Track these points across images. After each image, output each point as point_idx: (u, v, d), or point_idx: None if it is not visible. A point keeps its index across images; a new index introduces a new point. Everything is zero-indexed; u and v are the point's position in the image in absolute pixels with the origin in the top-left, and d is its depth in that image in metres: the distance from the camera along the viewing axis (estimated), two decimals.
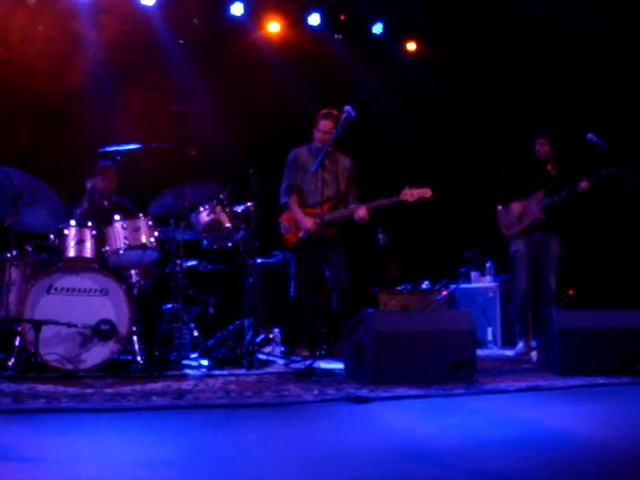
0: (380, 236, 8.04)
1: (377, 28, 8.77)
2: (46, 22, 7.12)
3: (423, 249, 8.79)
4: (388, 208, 6.32)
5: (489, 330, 7.97)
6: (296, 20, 8.31)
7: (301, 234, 6.41)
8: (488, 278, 8.28)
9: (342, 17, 8.59)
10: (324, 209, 6.17)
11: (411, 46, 9.15)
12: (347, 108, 5.75)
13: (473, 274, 8.48)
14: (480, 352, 5.80)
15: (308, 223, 6.37)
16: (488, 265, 8.33)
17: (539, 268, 6.92)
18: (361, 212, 6.36)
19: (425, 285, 8.49)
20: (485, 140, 8.63)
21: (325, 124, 6.40)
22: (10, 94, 6.93)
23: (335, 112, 6.31)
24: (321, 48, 8.17)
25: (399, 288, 8.38)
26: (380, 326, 5.10)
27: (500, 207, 7.07)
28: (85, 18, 7.29)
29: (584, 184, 6.62)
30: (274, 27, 8.32)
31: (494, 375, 5.46)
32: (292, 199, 6.53)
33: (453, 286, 8.35)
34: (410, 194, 6.25)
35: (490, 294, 8.07)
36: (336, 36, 8.59)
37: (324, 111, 6.45)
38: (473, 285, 8.40)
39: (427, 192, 6.28)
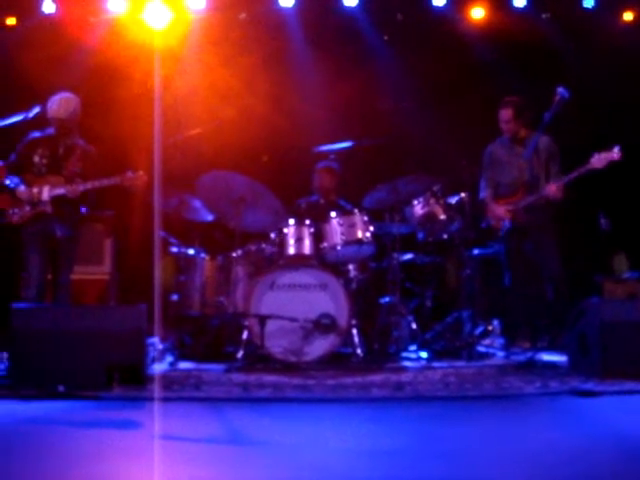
0: (602, 220, 7.61)
1: (589, 1, 8.29)
2: (259, 29, 7.50)
3: None
4: (611, 190, 5.92)
5: None
6: (500, 3, 8.06)
7: (501, 225, 6.25)
8: None
9: None
10: (518, 197, 6.07)
11: (628, 16, 8.56)
12: (560, 89, 5.61)
13: None
14: None
15: (501, 213, 6.21)
16: None
17: None
18: (550, 190, 6.03)
19: None
20: None
21: (502, 113, 6.24)
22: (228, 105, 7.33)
23: (513, 99, 6.18)
24: (529, 30, 7.85)
25: (625, 276, 7.90)
26: (605, 316, 4.87)
27: None
28: (290, 19, 7.58)
29: None
30: (478, 13, 8.13)
31: None
32: (488, 193, 6.42)
33: None
34: (597, 160, 5.80)
35: None
36: (544, 15, 8.23)
37: (502, 100, 6.28)
38: None
39: (614, 154, 5.72)
